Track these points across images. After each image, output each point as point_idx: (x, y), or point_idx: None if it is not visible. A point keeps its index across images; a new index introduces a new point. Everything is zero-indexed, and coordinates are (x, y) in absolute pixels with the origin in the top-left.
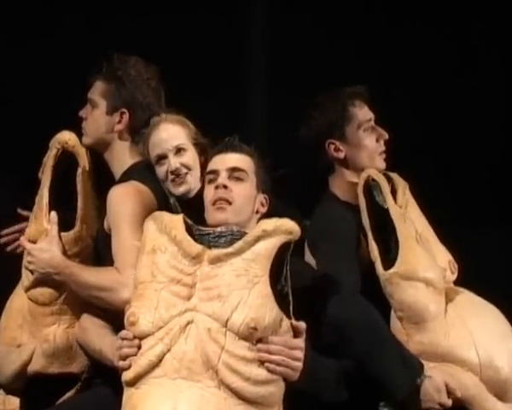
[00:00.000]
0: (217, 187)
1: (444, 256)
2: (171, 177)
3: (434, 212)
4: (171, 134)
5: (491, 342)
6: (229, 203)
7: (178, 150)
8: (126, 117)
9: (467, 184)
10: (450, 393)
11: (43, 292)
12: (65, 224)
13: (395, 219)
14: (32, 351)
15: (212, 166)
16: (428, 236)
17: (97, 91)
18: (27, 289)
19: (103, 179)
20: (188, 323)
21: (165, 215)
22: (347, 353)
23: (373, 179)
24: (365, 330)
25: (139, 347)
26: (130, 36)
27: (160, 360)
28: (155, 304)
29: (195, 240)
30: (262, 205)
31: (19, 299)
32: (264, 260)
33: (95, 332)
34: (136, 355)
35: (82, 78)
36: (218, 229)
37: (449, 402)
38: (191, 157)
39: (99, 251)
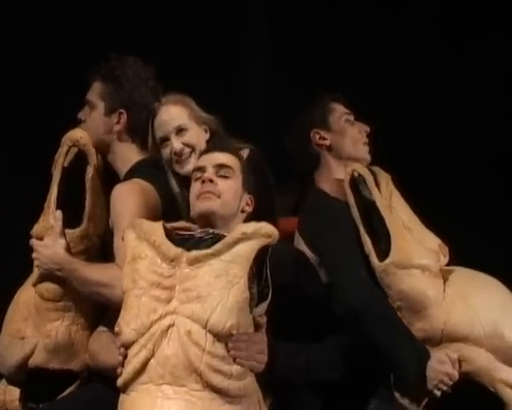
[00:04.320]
0: (203, 181)
1: (433, 241)
2: (175, 158)
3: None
4: (172, 115)
5: (494, 312)
6: (216, 196)
7: (180, 130)
8: (124, 117)
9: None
10: (454, 364)
11: (48, 288)
12: (74, 221)
13: (383, 211)
14: (35, 345)
15: (198, 163)
16: (415, 224)
17: (95, 93)
18: (34, 285)
19: (112, 180)
20: (169, 326)
21: (144, 222)
22: (364, 341)
23: (358, 174)
24: (382, 319)
25: (125, 355)
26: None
27: (144, 367)
28: (137, 311)
29: (176, 245)
30: (247, 204)
31: (27, 292)
32: (244, 262)
33: (104, 351)
34: (123, 364)
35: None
36: (199, 234)
37: (455, 373)
38: (194, 136)
39: (107, 249)
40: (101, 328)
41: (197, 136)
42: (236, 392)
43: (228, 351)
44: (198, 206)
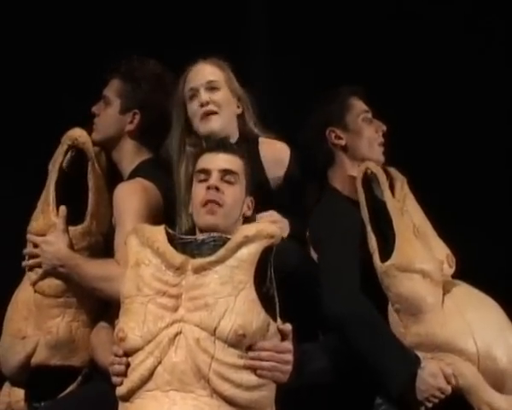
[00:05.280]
0: (208, 187)
1: (442, 250)
2: (200, 111)
3: (433, 208)
4: (206, 71)
5: (489, 333)
6: (220, 206)
7: (211, 88)
8: (138, 118)
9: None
10: (447, 379)
11: (50, 284)
12: (77, 219)
13: (392, 212)
14: (36, 343)
15: (203, 164)
16: (426, 229)
17: (113, 89)
18: (35, 283)
19: (117, 177)
20: (176, 334)
21: (146, 228)
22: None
23: (371, 172)
24: (365, 328)
25: (128, 364)
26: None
27: (151, 374)
28: (143, 318)
29: (178, 249)
30: (248, 208)
31: (25, 292)
32: (248, 266)
33: (101, 349)
34: (125, 373)
35: (91, 74)
36: (201, 237)
37: (447, 387)
38: (224, 97)
39: (110, 247)
40: (103, 323)
41: (227, 100)
42: (245, 403)
43: (247, 359)
44: (202, 218)
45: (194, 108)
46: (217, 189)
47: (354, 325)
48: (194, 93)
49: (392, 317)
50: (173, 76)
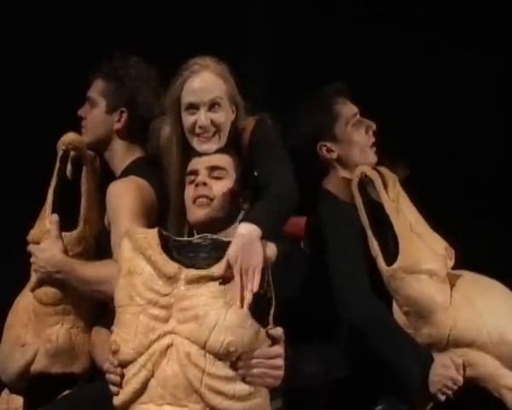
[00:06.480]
0: (197, 185)
1: (439, 243)
2: (197, 131)
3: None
4: (210, 85)
5: (500, 318)
6: (211, 200)
7: (213, 105)
8: (125, 116)
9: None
10: (458, 369)
11: (47, 292)
12: (70, 224)
13: (391, 214)
14: (36, 351)
15: (191, 167)
16: (421, 226)
17: (97, 90)
18: (32, 290)
19: (107, 181)
20: (168, 346)
21: (138, 232)
22: (364, 352)
23: (365, 175)
24: (381, 330)
25: (122, 375)
26: None
27: (144, 387)
28: (135, 330)
29: (172, 254)
30: (245, 201)
31: (25, 299)
32: None
33: (100, 348)
34: (120, 384)
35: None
36: (196, 240)
37: (459, 377)
38: (224, 116)
39: (102, 250)
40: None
41: (226, 117)
42: None
43: (237, 369)
44: (194, 213)
45: (190, 122)
46: (204, 184)
47: (376, 328)
48: (193, 108)
49: (399, 319)
50: (156, 71)
